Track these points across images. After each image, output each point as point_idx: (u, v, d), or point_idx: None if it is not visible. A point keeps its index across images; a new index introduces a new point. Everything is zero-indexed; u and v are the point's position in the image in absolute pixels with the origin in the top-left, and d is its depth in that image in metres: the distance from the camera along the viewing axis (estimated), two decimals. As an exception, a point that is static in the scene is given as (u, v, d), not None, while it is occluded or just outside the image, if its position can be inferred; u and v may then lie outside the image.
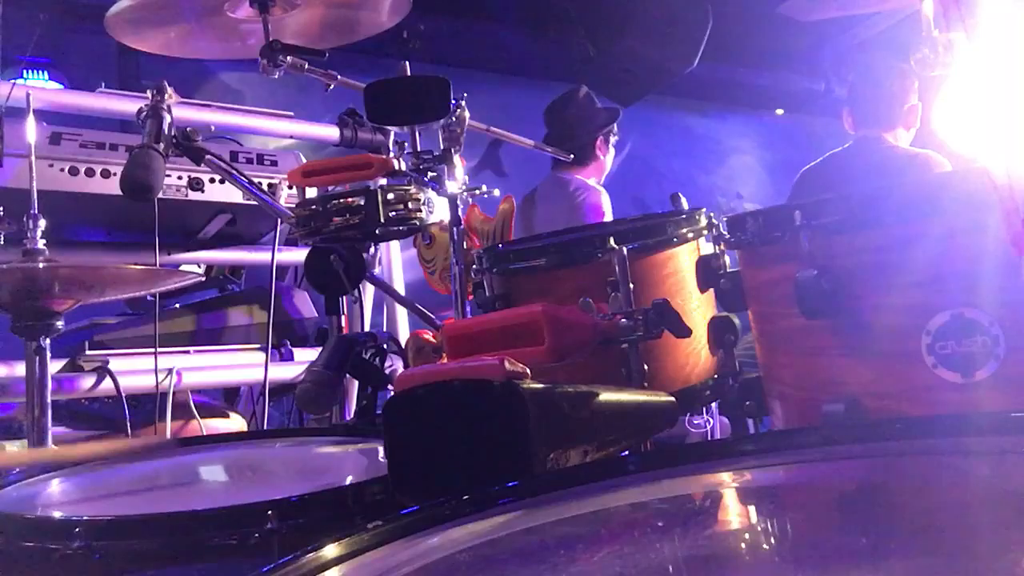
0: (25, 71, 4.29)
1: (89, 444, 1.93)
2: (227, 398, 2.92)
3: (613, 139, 3.78)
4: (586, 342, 1.17)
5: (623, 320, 1.23)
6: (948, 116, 3.05)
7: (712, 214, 1.54)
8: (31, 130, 1.86)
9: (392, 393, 0.96)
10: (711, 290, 1.49)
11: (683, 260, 1.47)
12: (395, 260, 2.73)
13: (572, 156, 3.24)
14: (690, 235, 1.48)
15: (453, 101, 1.62)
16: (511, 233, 1.75)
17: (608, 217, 3.58)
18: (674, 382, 1.40)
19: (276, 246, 2.27)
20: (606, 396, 0.99)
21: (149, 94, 1.79)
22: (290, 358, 2.49)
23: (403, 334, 2.58)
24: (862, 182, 2.82)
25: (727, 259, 1.49)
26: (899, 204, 1.08)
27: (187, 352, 2.37)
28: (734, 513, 0.77)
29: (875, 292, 1.09)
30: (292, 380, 2.39)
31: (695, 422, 2.16)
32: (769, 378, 1.33)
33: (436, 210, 1.74)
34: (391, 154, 1.95)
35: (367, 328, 2.31)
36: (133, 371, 2.19)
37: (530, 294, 1.45)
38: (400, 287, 2.71)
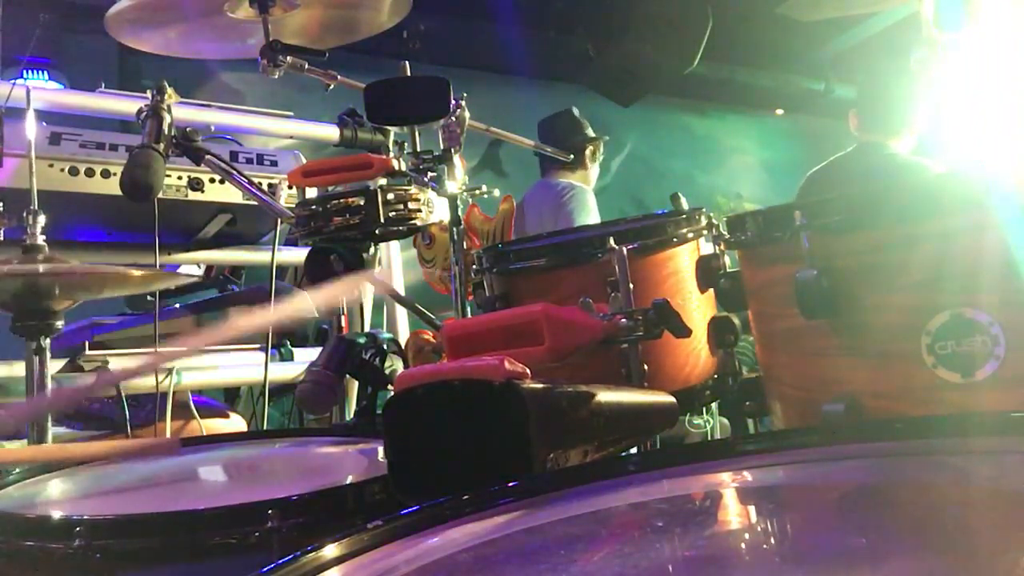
0: (25, 71, 4.30)
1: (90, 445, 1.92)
2: (227, 398, 2.92)
3: (599, 156, 3.99)
4: (586, 342, 1.17)
5: (623, 320, 1.23)
6: (946, 117, 3.05)
7: (712, 214, 1.54)
8: (31, 129, 1.86)
9: (392, 393, 0.95)
10: (711, 290, 1.49)
11: (683, 260, 1.47)
12: (395, 260, 2.73)
13: (572, 156, 3.27)
14: (690, 235, 1.48)
15: (453, 101, 1.62)
16: (511, 233, 1.75)
17: (595, 217, 3.67)
18: (674, 382, 1.40)
19: (276, 246, 2.27)
20: (606, 396, 0.99)
21: (149, 94, 1.79)
22: (290, 358, 2.49)
23: (403, 334, 2.58)
24: (861, 186, 2.82)
25: (727, 259, 1.49)
26: (899, 204, 1.08)
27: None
28: (734, 513, 0.77)
29: (875, 292, 1.09)
30: (292, 380, 2.39)
31: (695, 422, 2.16)
32: (769, 378, 1.33)
33: (436, 210, 1.74)
34: (391, 154, 1.95)
35: (367, 328, 2.31)
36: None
37: (530, 294, 1.45)
38: (400, 287, 2.71)
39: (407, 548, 0.70)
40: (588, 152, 3.92)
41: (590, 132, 3.94)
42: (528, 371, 0.91)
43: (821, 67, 6.89)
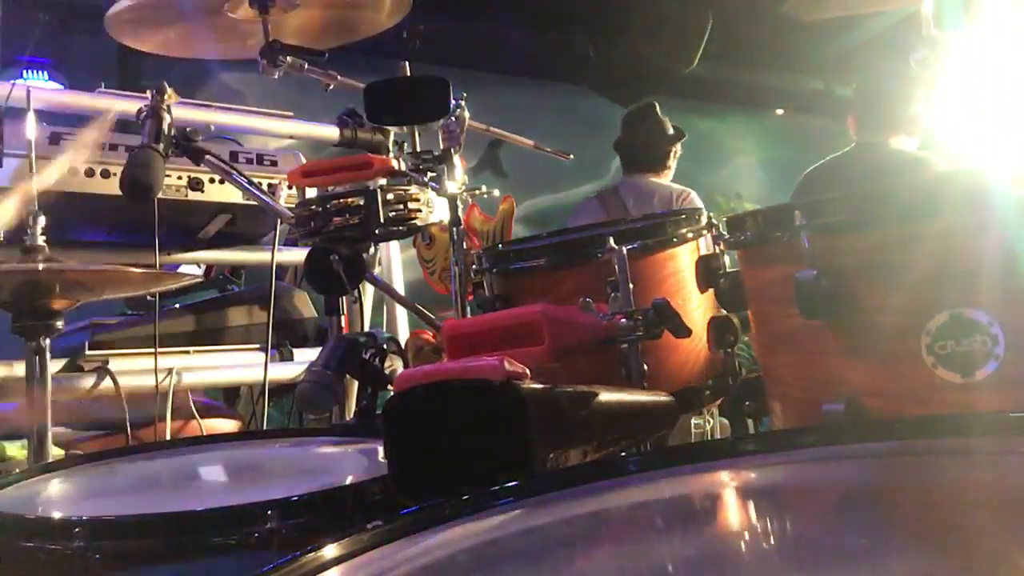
0: (25, 71, 4.29)
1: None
2: (227, 398, 2.91)
3: (679, 154, 4.07)
4: (586, 342, 1.18)
5: (623, 320, 1.23)
6: (947, 116, 3.05)
7: (712, 214, 1.54)
8: (31, 129, 1.86)
9: (392, 393, 0.95)
10: (711, 290, 1.49)
11: (683, 260, 1.47)
12: (395, 260, 2.73)
13: (571, 156, 3.28)
14: (690, 235, 1.49)
15: (453, 101, 1.63)
16: (511, 233, 1.75)
17: None
18: (674, 382, 1.40)
19: (276, 246, 2.27)
20: (606, 396, 0.99)
21: (149, 94, 1.79)
22: (290, 358, 2.49)
23: (403, 334, 2.57)
24: (863, 185, 2.82)
25: (727, 259, 1.49)
26: (899, 204, 1.09)
27: (187, 352, 2.37)
28: (734, 513, 0.77)
29: (875, 292, 1.09)
30: (292, 380, 2.39)
31: (695, 422, 2.16)
32: (769, 378, 1.33)
33: (436, 210, 1.74)
34: (391, 154, 1.95)
35: (367, 328, 2.31)
36: (133, 371, 2.19)
37: (530, 294, 1.45)
38: (400, 287, 2.71)
39: (407, 548, 0.69)
40: (672, 153, 4.00)
41: (670, 130, 4.00)
42: (528, 371, 0.91)
43: (821, 67, 6.89)
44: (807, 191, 3.11)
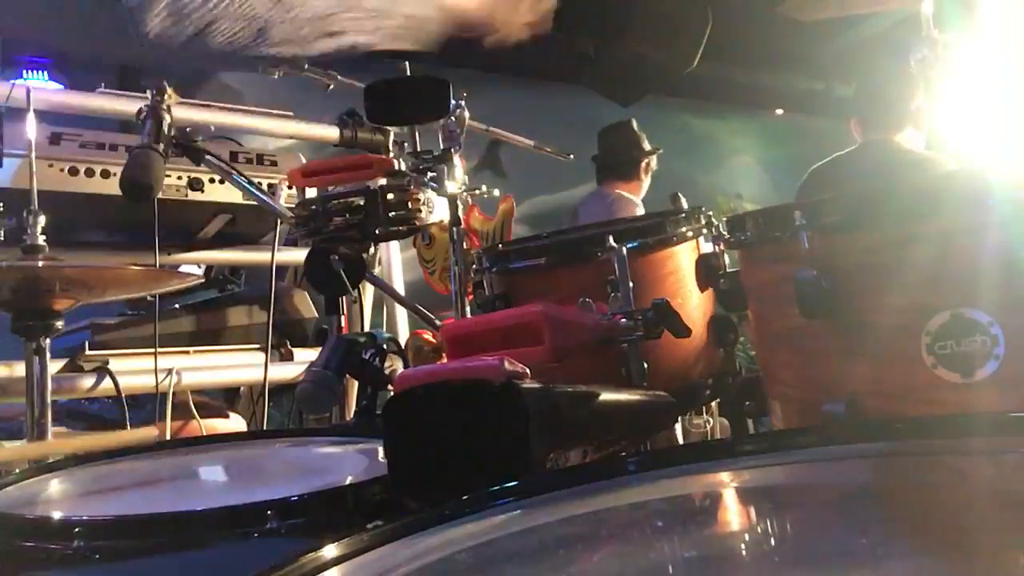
0: (25, 71, 4.30)
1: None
2: (227, 398, 2.91)
3: (653, 168, 4.18)
4: (586, 342, 1.18)
5: (623, 320, 1.23)
6: (948, 116, 3.05)
7: (712, 214, 1.54)
8: (31, 129, 1.86)
9: (392, 393, 0.95)
10: (711, 290, 1.49)
11: (683, 260, 1.47)
12: (395, 260, 2.73)
13: (571, 156, 3.29)
14: (690, 234, 1.49)
15: (453, 101, 1.63)
16: (511, 233, 1.76)
17: None
18: (673, 381, 1.40)
19: (276, 246, 2.27)
20: (606, 396, 0.99)
21: (149, 94, 1.79)
22: (290, 358, 2.49)
23: (403, 334, 2.58)
24: (869, 181, 2.81)
25: (727, 259, 1.49)
26: (899, 204, 1.08)
27: (187, 352, 2.37)
28: (734, 513, 0.77)
29: (875, 292, 1.09)
30: (292, 380, 2.39)
31: (695, 422, 2.16)
32: (769, 378, 1.33)
33: (436, 210, 1.74)
34: (391, 154, 1.95)
35: (367, 328, 2.31)
36: (133, 371, 2.19)
37: (530, 294, 1.45)
38: (400, 287, 2.71)
39: (407, 548, 0.69)
40: (643, 165, 4.09)
41: (646, 145, 4.11)
42: (528, 371, 0.91)
43: (821, 67, 6.89)
44: (812, 187, 3.11)
